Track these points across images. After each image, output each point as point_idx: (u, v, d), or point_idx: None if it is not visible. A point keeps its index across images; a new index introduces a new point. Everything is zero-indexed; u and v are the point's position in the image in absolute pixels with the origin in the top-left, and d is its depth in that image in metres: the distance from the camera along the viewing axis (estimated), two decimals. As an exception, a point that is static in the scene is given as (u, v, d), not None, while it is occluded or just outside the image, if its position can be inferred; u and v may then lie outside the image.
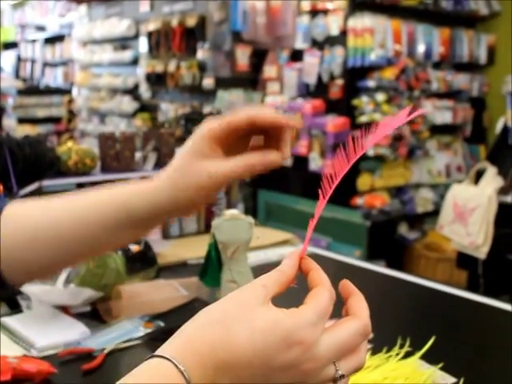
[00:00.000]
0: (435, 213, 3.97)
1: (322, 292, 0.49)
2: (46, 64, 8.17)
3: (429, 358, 0.97)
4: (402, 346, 1.00)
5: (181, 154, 0.64)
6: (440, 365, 0.96)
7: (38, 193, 1.62)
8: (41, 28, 8.11)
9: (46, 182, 1.66)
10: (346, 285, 0.52)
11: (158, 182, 0.65)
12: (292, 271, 0.51)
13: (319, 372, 0.46)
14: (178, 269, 1.49)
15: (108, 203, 0.65)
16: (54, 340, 1.03)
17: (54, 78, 7.88)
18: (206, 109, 4.15)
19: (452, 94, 4.59)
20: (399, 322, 1.23)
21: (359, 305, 0.50)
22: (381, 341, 1.02)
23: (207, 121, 0.64)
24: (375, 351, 1.00)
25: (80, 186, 1.73)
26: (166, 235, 1.77)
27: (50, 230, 0.64)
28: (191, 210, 0.67)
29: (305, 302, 0.48)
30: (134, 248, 1.38)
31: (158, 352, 0.45)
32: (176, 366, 0.43)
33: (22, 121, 6.52)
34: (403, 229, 4.26)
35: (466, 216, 2.95)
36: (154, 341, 1.07)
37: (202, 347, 0.44)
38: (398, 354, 0.98)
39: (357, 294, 0.51)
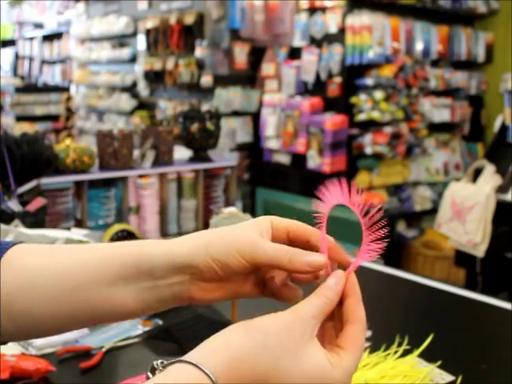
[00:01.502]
0: (433, 211, 3.98)
1: (361, 337, 0.50)
2: (43, 62, 8.15)
3: (427, 355, 0.97)
4: (400, 344, 1.00)
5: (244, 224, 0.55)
6: (438, 363, 0.96)
7: (36, 190, 1.61)
8: (39, 25, 8.09)
9: (44, 180, 1.66)
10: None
11: (188, 237, 0.54)
12: (337, 299, 0.51)
13: None
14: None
15: (120, 252, 0.53)
16: (53, 338, 1.03)
17: (51, 75, 7.87)
18: (204, 106, 4.14)
19: (450, 92, 4.59)
20: (397, 320, 1.23)
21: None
22: (379, 339, 1.03)
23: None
24: (373, 349, 1.00)
25: (78, 183, 1.73)
26: (164, 233, 1.77)
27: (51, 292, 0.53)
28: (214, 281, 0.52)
29: (344, 348, 0.49)
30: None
31: (197, 360, 0.44)
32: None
33: (19, 118, 6.50)
34: (401, 227, 4.27)
35: (464, 214, 2.95)
36: (152, 339, 1.08)
37: (246, 372, 0.45)
38: (396, 352, 0.98)
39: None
